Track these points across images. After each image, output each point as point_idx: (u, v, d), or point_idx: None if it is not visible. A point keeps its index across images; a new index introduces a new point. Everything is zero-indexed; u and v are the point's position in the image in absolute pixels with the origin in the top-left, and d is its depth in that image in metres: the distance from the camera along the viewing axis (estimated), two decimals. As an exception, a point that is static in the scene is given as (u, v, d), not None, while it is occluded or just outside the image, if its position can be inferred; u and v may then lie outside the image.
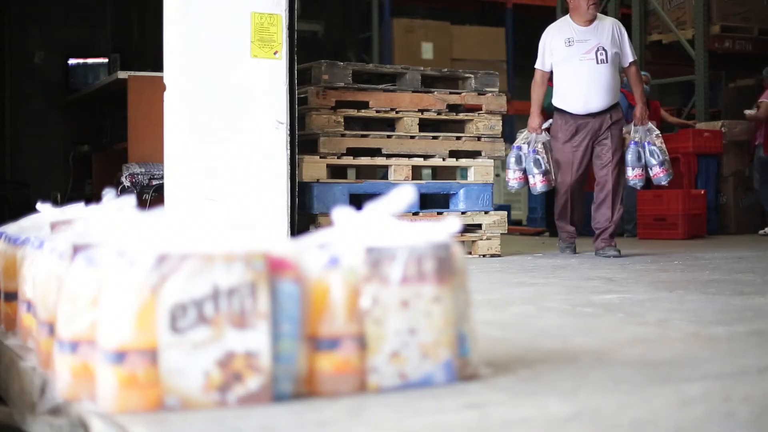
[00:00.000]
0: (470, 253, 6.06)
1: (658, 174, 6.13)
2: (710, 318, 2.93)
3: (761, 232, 9.27)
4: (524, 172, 6.17)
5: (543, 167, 6.07)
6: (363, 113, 5.95)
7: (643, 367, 2.08)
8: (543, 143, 6.11)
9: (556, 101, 6.06)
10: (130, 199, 2.18)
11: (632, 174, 6.11)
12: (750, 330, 2.67)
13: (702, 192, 8.96)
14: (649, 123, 6.25)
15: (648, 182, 6.34)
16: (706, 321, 2.85)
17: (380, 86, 6.09)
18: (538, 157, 6.07)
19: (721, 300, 3.47)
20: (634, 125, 6.14)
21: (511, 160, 6.21)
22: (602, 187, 6.00)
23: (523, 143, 6.17)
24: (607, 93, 5.91)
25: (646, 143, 6.09)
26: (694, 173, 9.37)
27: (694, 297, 3.57)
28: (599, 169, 6.00)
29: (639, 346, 2.39)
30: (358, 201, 5.58)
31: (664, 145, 6.21)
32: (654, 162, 6.09)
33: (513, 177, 6.21)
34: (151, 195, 5.79)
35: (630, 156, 6.09)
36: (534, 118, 6.12)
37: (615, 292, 3.73)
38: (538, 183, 6.13)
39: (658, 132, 6.28)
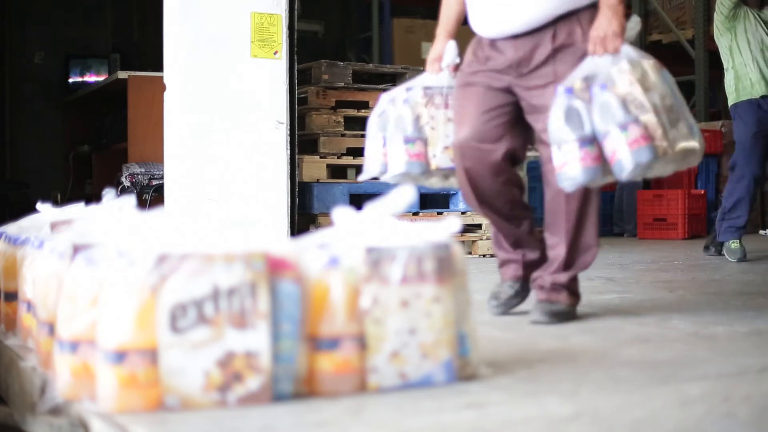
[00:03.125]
0: (470, 253, 6.05)
1: (620, 153, 2.56)
2: (710, 318, 2.93)
3: (761, 232, 9.27)
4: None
5: (411, 132, 3.07)
6: (363, 113, 5.94)
7: (643, 367, 2.08)
8: (429, 90, 3.09)
9: (469, 16, 3.06)
10: (130, 199, 2.18)
11: (560, 160, 2.63)
12: (750, 330, 2.68)
13: (702, 192, 8.96)
14: (626, 47, 2.69)
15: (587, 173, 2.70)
16: (706, 321, 2.85)
17: (380, 86, 6.08)
18: (404, 113, 3.09)
19: (721, 300, 3.47)
20: (591, 53, 2.72)
21: (373, 120, 3.27)
22: (551, 185, 2.85)
23: (400, 92, 3.14)
24: None
25: (596, 87, 2.61)
26: (694, 173, 9.36)
27: (694, 297, 3.57)
28: (540, 148, 2.90)
29: (639, 346, 2.39)
30: (358, 201, 5.57)
31: (639, 89, 2.59)
32: (605, 127, 2.58)
33: (373, 154, 3.25)
34: (151, 195, 5.79)
35: (553, 119, 2.64)
36: (435, 45, 3.17)
37: (615, 292, 3.73)
38: (400, 157, 3.11)
39: (641, 59, 2.68)
